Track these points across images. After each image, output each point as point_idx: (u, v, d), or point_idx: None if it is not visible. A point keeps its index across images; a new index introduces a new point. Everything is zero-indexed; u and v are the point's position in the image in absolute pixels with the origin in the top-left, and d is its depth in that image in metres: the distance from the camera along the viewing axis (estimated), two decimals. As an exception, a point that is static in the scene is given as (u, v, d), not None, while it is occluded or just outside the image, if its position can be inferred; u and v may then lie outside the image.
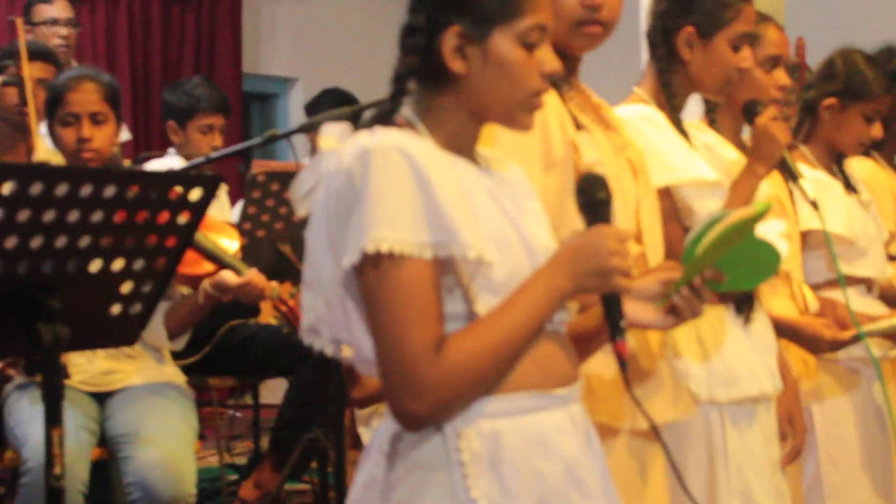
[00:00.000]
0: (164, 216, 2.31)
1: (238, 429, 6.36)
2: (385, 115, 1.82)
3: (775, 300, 3.01)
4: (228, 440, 6.05)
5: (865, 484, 3.31)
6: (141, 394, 3.30)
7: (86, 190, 2.14)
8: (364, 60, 7.12)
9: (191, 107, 4.64)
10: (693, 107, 3.08)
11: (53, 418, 2.22)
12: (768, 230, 2.28)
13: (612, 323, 1.80)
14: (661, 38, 2.67)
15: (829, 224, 3.20)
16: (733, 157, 2.79)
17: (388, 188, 1.66)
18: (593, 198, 1.81)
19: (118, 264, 2.30)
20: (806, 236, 3.30)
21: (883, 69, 3.43)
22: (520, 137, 2.10)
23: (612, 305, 1.80)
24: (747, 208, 1.94)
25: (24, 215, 2.08)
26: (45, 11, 5.09)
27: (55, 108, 3.37)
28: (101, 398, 3.34)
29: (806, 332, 2.97)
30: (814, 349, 3.00)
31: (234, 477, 5.19)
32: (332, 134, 1.83)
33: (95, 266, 2.26)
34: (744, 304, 2.66)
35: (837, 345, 2.97)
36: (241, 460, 5.49)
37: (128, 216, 2.25)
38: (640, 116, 2.63)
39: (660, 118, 2.65)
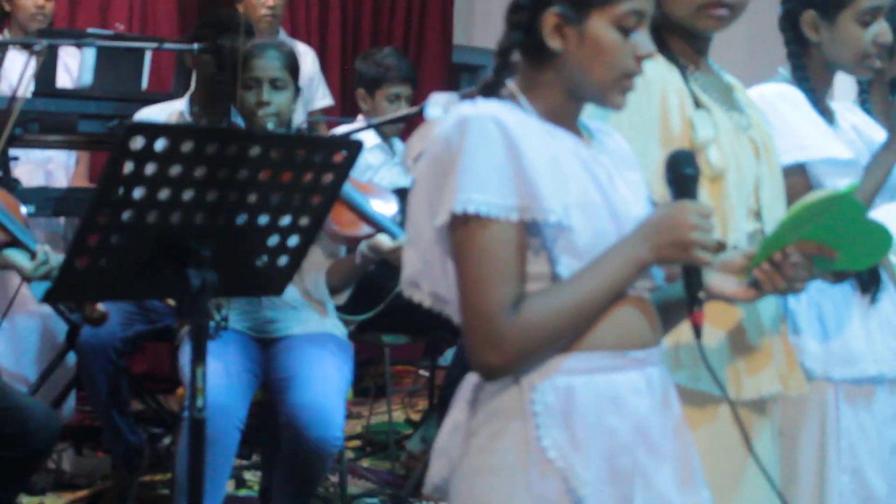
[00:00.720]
0: (307, 176, 2.49)
1: (423, 386, 6.61)
2: (490, 86, 1.95)
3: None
4: (410, 396, 6.29)
5: None
6: (300, 343, 3.53)
7: (232, 150, 2.34)
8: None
9: (380, 76, 4.85)
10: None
11: (198, 357, 2.42)
12: (887, 212, 2.32)
13: (691, 294, 1.90)
14: (788, 24, 2.73)
15: None
16: (882, 138, 2.80)
17: (481, 154, 1.80)
18: (680, 173, 1.90)
19: (264, 219, 2.50)
20: None
21: None
22: (640, 112, 2.21)
23: (691, 277, 1.89)
24: (825, 192, 1.99)
25: (175, 170, 2.29)
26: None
27: (239, 72, 3.60)
28: (267, 344, 3.58)
29: None
30: None
31: (408, 431, 5.42)
32: (439, 103, 1.97)
33: (243, 219, 2.47)
34: (870, 283, 2.68)
35: None
36: (419, 416, 5.72)
37: (272, 175, 2.45)
38: (779, 94, 2.69)
39: (798, 96, 2.70)
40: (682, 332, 2.22)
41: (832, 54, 2.71)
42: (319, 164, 2.49)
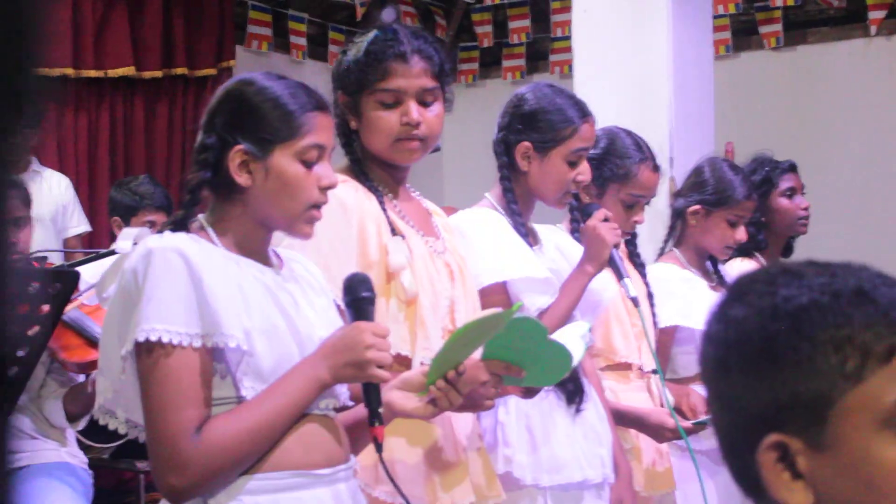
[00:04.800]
0: (24, 308, 2.55)
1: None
2: (180, 220, 2.06)
3: (628, 393, 3.22)
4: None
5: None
6: (35, 474, 3.50)
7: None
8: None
9: (135, 204, 4.91)
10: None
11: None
12: (570, 331, 2.51)
13: (371, 410, 2.01)
14: (503, 150, 2.92)
15: (692, 321, 3.42)
16: None
17: (164, 284, 1.89)
18: (356, 296, 2.03)
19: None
20: (675, 331, 3.50)
21: (746, 176, 3.65)
22: (340, 239, 2.34)
23: (370, 394, 2.02)
24: (490, 312, 2.15)
25: None
26: None
27: None
28: (4, 476, 3.54)
29: (650, 420, 3.15)
30: (658, 437, 3.18)
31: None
32: (129, 237, 2.07)
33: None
34: (574, 395, 2.86)
35: (679, 433, 3.14)
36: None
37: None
38: (481, 218, 2.87)
39: (501, 221, 2.88)
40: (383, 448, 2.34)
41: (537, 185, 2.91)
42: (34, 295, 2.54)
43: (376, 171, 2.53)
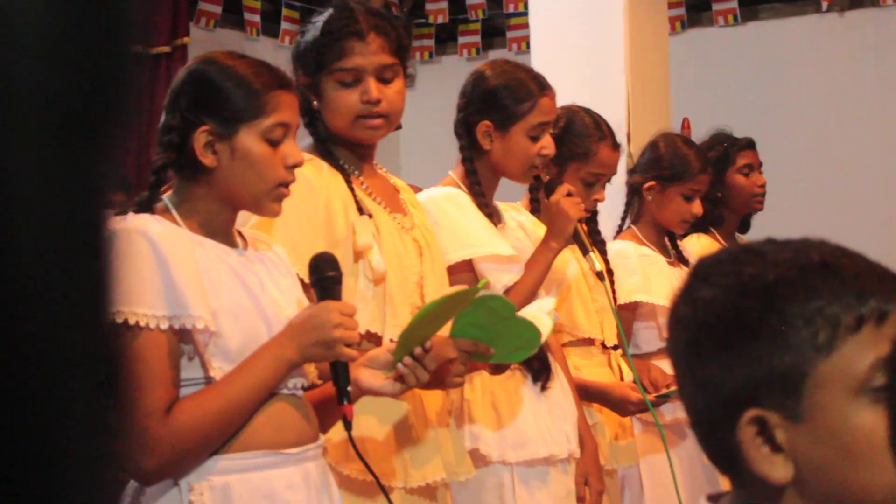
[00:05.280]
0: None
1: None
2: (144, 201, 2.05)
3: (590, 369, 3.24)
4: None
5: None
6: None
7: None
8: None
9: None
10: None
11: None
12: (536, 308, 2.52)
13: (340, 388, 2.02)
14: (464, 130, 2.92)
15: (652, 296, 3.45)
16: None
17: (129, 266, 1.88)
18: (322, 275, 2.03)
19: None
20: (636, 307, 3.53)
21: (700, 150, 3.68)
22: (307, 218, 2.34)
23: (339, 372, 2.02)
24: (456, 289, 2.16)
25: None
26: None
27: None
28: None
29: (614, 395, 3.17)
30: (622, 411, 3.21)
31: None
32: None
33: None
34: (540, 373, 2.88)
35: (643, 406, 3.17)
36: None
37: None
38: (446, 197, 2.87)
39: (465, 199, 2.88)
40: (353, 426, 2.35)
41: (500, 162, 2.91)
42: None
43: (341, 149, 2.52)
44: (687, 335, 1.20)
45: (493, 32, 8.67)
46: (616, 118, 4.93)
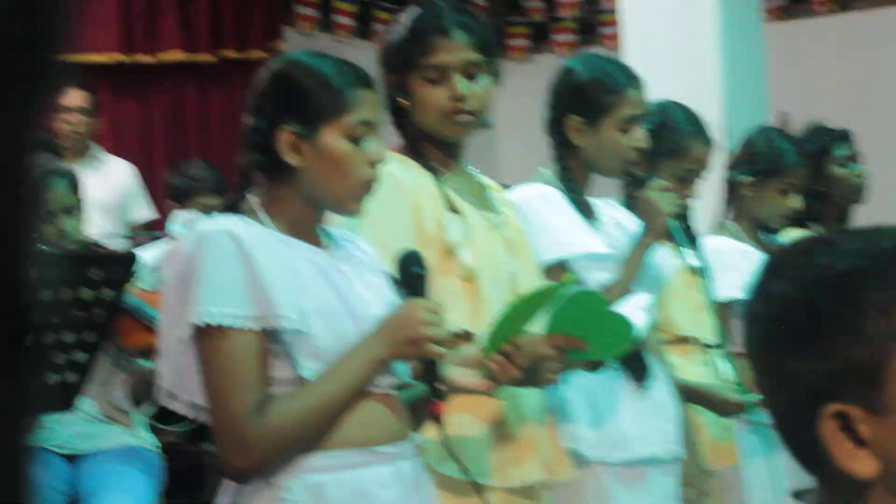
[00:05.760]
0: (86, 292, 2.57)
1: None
2: (232, 202, 2.06)
3: (689, 368, 3.19)
4: None
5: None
6: (109, 458, 3.55)
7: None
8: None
9: (191, 187, 4.93)
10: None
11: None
12: (632, 304, 2.49)
13: (430, 386, 2.01)
14: (554, 128, 2.89)
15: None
16: None
17: (217, 267, 1.89)
18: (409, 273, 2.03)
19: (48, 338, 2.56)
20: (735, 305, 3.47)
21: (798, 144, 3.61)
22: (395, 216, 2.34)
23: (429, 370, 2.01)
24: (543, 286, 2.14)
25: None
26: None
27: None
28: (75, 459, 3.60)
29: (714, 394, 3.13)
30: (722, 411, 3.16)
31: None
32: (180, 220, 2.08)
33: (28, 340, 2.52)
34: (640, 371, 2.84)
35: (744, 406, 3.11)
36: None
37: (51, 293, 2.51)
38: (538, 195, 2.84)
39: (558, 196, 2.85)
40: (448, 424, 2.34)
41: (593, 157, 2.88)
42: (95, 280, 2.56)
43: (430, 148, 2.51)
44: (761, 331, 1.18)
45: (588, 29, 8.64)
46: (711, 113, 4.88)
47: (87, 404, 3.56)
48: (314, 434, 1.93)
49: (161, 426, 3.82)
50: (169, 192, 5.03)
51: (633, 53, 5.19)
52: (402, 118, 2.52)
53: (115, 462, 3.54)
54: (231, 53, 7.26)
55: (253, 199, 2.06)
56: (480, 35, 2.49)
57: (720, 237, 3.56)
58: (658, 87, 4.79)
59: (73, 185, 3.63)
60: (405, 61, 2.47)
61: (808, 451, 1.16)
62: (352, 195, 2.04)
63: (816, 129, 4.07)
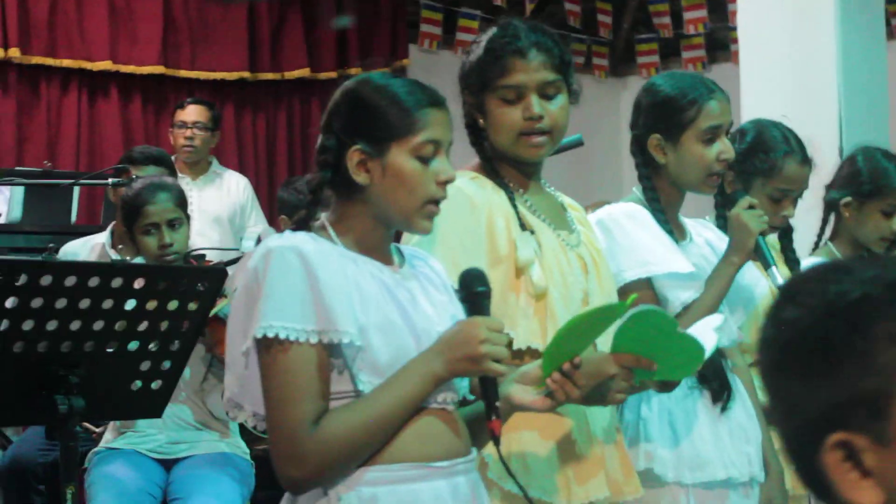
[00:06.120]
0: (172, 304, 2.65)
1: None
2: (303, 219, 2.12)
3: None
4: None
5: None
6: (200, 462, 3.66)
7: (93, 281, 2.49)
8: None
9: (301, 202, 5.02)
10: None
11: (67, 478, 2.55)
12: (704, 323, 2.48)
13: (488, 403, 2.03)
14: (637, 148, 2.89)
15: None
16: None
17: (282, 282, 1.95)
18: (471, 291, 2.06)
19: (133, 345, 2.65)
20: None
21: None
22: (469, 235, 2.37)
23: (487, 388, 2.03)
24: (602, 304, 2.14)
25: (36, 303, 2.44)
26: (177, 116, 5.66)
27: (135, 219, 3.72)
28: (168, 465, 3.71)
29: None
30: None
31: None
32: (253, 236, 2.14)
33: (112, 346, 2.62)
34: (720, 392, 2.81)
35: None
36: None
37: (138, 304, 2.60)
38: (625, 213, 2.84)
39: (645, 215, 2.85)
40: (513, 442, 2.36)
41: (679, 174, 2.87)
42: (183, 292, 2.64)
43: (506, 167, 2.54)
44: (773, 357, 1.17)
45: (717, 45, 8.56)
46: (828, 133, 4.79)
47: (182, 411, 3.68)
48: (369, 447, 1.97)
49: (257, 433, 3.91)
50: (281, 207, 5.14)
51: (750, 71, 5.15)
52: (479, 137, 2.55)
53: (206, 467, 3.64)
54: (356, 71, 7.38)
55: (324, 217, 2.11)
56: (558, 55, 2.50)
57: (817, 258, 3.50)
58: (773, 105, 4.75)
59: (177, 198, 3.74)
60: (482, 81, 2.50)
61: (815, 479, 1.15)
62: (419, 213, 2.07)
63: None
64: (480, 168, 2.54)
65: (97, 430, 3.99)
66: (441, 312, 2.12)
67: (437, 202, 2.09)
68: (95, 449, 3.74)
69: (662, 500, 2.74)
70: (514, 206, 2.49)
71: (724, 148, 2.85)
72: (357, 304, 1.98)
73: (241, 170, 6.56)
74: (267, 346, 1.95)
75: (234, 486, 3.62)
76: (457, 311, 2.15)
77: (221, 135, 6.20)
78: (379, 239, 2.12)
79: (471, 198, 2.42)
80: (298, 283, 1.95)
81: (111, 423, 3.76)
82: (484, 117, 2.51)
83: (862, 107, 4.98)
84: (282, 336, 1.93)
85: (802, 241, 3.59)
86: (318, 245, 2.02)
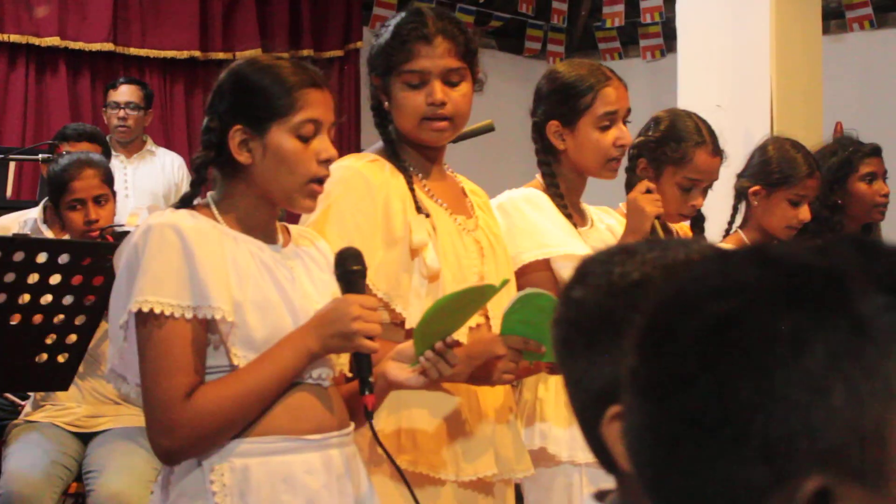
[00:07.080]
0: (77, 278, 2.69)
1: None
2: (186, 198, 2.16)
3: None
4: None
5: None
6: (116, 436, 3.71)
7: (-2, 255, 2.54)
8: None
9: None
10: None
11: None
12: None
13: (361, 379, 2.09)
14: (537, 135, 2.95)
15: None
16: None
17: (159, 259, 2.00)
18: (346, 269, 2.11)
19: (37, 318, 2.69)
20: None
21: (808, 154, 3.58)
22: (364, 216, 2.42)
23: (360, 364, 2.09)
24: (471, 286, 2.19)
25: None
26: (109, 96, 5.72)
27: (61, 194, 3.76)
28: (86, 438, 3.76)
29: None
30: None
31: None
32: (138, 213, 2.18)
33: (15, 319, 2.66)
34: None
35: None
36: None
37: (41, 278, 2.64)
38: (524, 198, 2.90)
39: (543, 200, 2.90)
40: (403, 418, 2.42)
41: (577, 160, 2.93)
42: (87, 267, 2.69)
43: (409, 151, 2.58)
44: (561, 334, 1.22)
45: (675, 35, 8.61)
46: (760, 124, 4.85)
47: (102, 385, 3.72)
48: (241, 420, 2.02)
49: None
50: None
51: (687, 61, 5.20)
52: (383, 120, 2.59)
53: (121, 440, 3.69)
54: (308, 52, 7.40)
55: (209, 196, 2.15)
56: (463, 43, 2.55)
57: (726, 245, 3.56)
58: (708, 94, 4.80)
59: (105, 175, 3.77)
60: (388, 65, 2.54)
61: (601, 450, 1.21)
62: (301, 192, 2.12)
63: (844, 140, 4.03)
64: (381, 151, 2.58)
65: (22, 402, 4.02)
66: (322, 291, 2.17)
67: (320, 181, 2.14)
68: (14, 422, 3.78)
69: (556, 478, 2.81)
70: (412, 190, 2.54)
71: (620, 134, 2.91)
72: (234, 281, 2.03)
73: (191, 149, 6.59)
74: (143, 320, 2.00)
75: (148, 459, 3.66)
76: (332, 289, 2.21)
77: (171, 113, 6.23)
78: (262, 218, 2.17)
79: (368, 179, 2.46)
80: (175, 260, 2.00)
81: (32, 396, 3.81)
82: (389, 100, 2.56)
83: (796, 99, 5.04)
84: (157, 311, 1.98)
85: (718, 227, 3.66)
86: (197, 222, 2.06)
